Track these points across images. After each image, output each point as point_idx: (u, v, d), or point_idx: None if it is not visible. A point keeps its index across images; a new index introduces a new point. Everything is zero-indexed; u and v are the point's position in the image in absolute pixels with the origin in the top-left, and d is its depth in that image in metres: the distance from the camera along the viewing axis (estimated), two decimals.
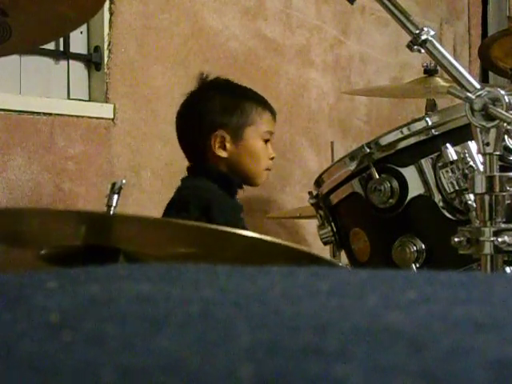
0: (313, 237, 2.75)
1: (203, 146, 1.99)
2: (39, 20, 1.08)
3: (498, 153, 1.04)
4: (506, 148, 1.24)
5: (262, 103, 2.05)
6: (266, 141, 2.03)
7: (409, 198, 1.30)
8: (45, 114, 2.26)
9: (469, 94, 1.05)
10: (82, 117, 2.36)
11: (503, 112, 1.02)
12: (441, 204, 1.28)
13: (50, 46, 2.38)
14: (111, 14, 2.43)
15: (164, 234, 0.86)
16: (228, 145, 1.98)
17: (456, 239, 1.06)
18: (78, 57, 2.45)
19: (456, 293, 0.37)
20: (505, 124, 1.04)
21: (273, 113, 2.06)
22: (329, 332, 0.29)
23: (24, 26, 1.08)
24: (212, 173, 1.97)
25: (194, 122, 2.00)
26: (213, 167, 1.99)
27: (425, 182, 1.29)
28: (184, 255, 0.87)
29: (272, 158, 2.05)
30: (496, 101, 1.03)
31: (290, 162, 3.00)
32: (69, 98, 2.43)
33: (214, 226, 0.83)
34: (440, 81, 2.33)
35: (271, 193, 2.92)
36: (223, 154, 1.98)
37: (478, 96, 1.04)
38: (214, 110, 2.00)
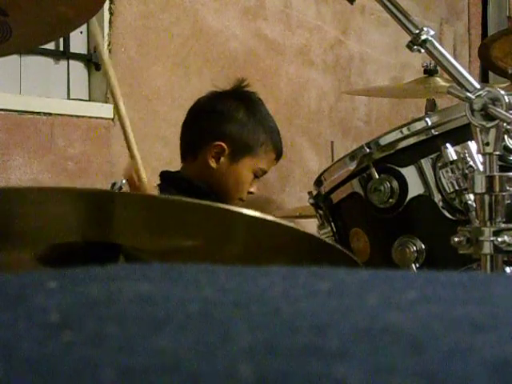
0: None
1: (200, 147, 1.96)
2: (39, 20, 1.08)
3: (497, 153, 1.04)
4: (506, 148, 1.24)
5: (275, 142, 2.02)
6: (256, 176, 2.00)
7: (409, 198, 1.30)
8: (45, 113, 2.26)
9: (469, 94, 1.05)
10: (82, 117, 2.36)
11: (503, 112, 1.02)
12: (441, 204, 1.28)
13: (50, 45, 2.38)
14: (111, 14, 2.43)
15: (165, 215, 0.84)
16: (222, 159, 1.95)
17: (456, 239, 1.06)
18: (78, 57, 2.45)
19: (456, 293, 0.37)
20: (505, 124, 1.04)
21: (278, 155, 2.04)
22: (329, 332, 0.29)
23: (24, 26, 1.08)
24: (178, 181, 1.95)
25: (208, 120, 1.97)
26: (179, 176, 1.97)
27: (425, 182, 1.29)
28: (183, 248, 0.87)
29: (250, 193, 2.02)
30: (496, 101, 1.03)
31: (290, 162, 3.00)
32: (69, 98, 2.43)
33: (220, 205, 0.82)
34: (440, 81, 2.33)
35: (271, 193, 2.92)
36: (214, 164, 1.95)
37: (478, 96, 1.04)
38: (232, 120, 1.96)
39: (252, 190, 2.02)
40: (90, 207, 0.82)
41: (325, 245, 0.88)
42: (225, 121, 1.97)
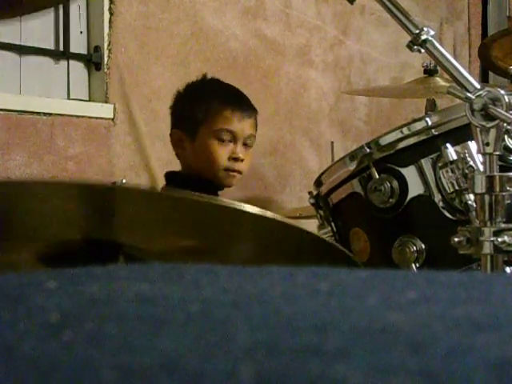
0: None
1: (172, 145, 2.00)
2: None
3: (497, 153, 1.04)
4: (506, 148, 1.24)
5: (221, 99, 1.95)
6: (233, 140, 1.94)
7: (409, 197, 1.30)
8: (45, 114, 2.26)
9: (469, 94, 1.05)
10: (82, 117, 2.36)
11: (503, 112, 1.02)
12: (441, 204, 1.28)
13: (50, 45, 2.38)
14: (111, 14, 2.43)
15: (168, 210, 0.84)
16: (186, 144, 1.96)
17: (456, 239, 1.06)
18: (77, 57, 2.45)
19: (456, 293, 0.37)
20: (505, 124, 1.04)
21: (236, 109, 1.94)
22: (329, 332, 0.29)
23: None
24: (183, 180, 1.95)
25: (172, 120, 2.03)
26: (178, 174, 1.98)
27: (425, 182, 1.29)
28: (184, 248, 0.87)
29: (235, 159, 1.94)
30: (496, 101, 1.03)
31: (290, 161, 3.00)
32: (69, 98, 2.43)
33: (221, 201, 0.81)
34: (440, 81, 2.33)
35: (271, 193, 2.92)
36: (183, 153, 1.98)
37: (478, 96, 1.04)
38: (178, 109, 2.00)
39: (235, 155, 1.94)
40: (93, 202, 0.82)
41: (326, 244, 0.88)
42: (173, 114, 2.02)
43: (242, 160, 1.96)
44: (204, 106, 1.95)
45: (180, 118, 1.99)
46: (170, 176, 2.02)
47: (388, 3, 1.13)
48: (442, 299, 0.35)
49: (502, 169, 1.06)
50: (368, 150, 1.33)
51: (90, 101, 2.46)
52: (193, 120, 1.95)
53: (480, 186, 1.04)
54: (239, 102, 1.98)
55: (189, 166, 1.98)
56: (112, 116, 2.41)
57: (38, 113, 2.25)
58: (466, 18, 3.91)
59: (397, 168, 1.32)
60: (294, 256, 0.86)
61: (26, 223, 0.84)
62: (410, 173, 1.31)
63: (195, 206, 0.81)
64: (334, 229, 1.45)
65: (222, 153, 1.94)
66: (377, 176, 1.32)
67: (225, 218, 0.82)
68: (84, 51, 2.46)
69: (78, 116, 2.35)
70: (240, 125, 1.95)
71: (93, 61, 2.45)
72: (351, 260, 0.89)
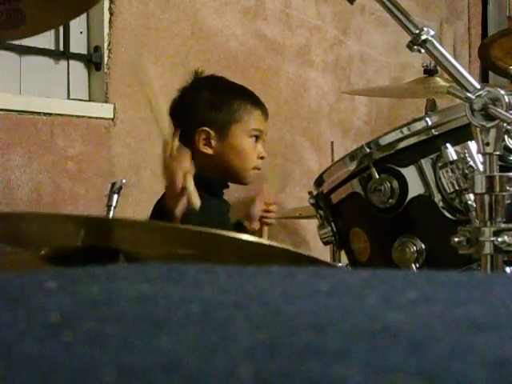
0: (313, 237, 2.74)
1: (189, 143, 1.98)
2: (51, 2, 1.08)
3: (497, 153, 1.04)
4: (506, 148, 1.24)
5: (252, 100, 2.02)
6: (256, 139, 2.00)
7: (409, 198, 1.30)
8: (45, 114, 2.26)
9: (469, 94, 1.05)
10: (82, 117, 2.36)
11: (503, 112, 1.02)
12: (441, 204, 1.28)
13: (50, 45, 2.38)
14: (111, 14, 2.43)
15: (162, 237, 0.86)
16: (213, 142, 1.96)
17: (456, 239, 1.06)
18: (77, 57, 2.45)
19: (456, 293, 0.37)
20: (505, 124, 1.04)
21: (263, 111, 2.03)
22: (329, 332, 0.29)
23: (36, 10, 1.08)
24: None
25: (183, 119, 1.99)
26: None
27: (425, 182, 1.29)
28: (183, 256, 0.87)
29: (262, 158, 2.01)
30: (496, 101, 1.03)
31: (290, 161, 3.00)
32: (69, 98, 2.43)
33: (212, 230, 0.82)
34: (440, 81, 2.33)
35: None
36: (209, 151, 1.97)
37: (478, 96, 1.04)
38: (200, 106, 1.99)
39: (262, 154, 2.01)
40: (89, 231, 0.84)
41: (321, 264, 0.88)
42: (195, 111, 2.00)
43: (264, 158, 2.03)
44: (236, 105, 1.98)
45: (206, 117, 1.98)
46: None
47: (388, 3, 1.13)
48: (441, 299, 0.35)
49: (502, 169, 1.06)
50: (368, 150, 1.33)
51: (90, 101, 2.46)
52: (225, 119, 1.97)
53: (480, 185, 1.04)
54: (262, 102, 2.05)
55: (215, 163, 1.97)
56: (112, 116, 2.41)
57: (38, 113, 2.25)
58: (466, 18, 3.91)
59: (397, 168, 1.32)
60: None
61: (25, 237, 0.85)
62: (409, 173, 1.31)
63: (188, 235, 0.83)
64: (334, 229, 1.45)
65: (254, 151, 2.00)
66: (377, 176, 1.32)
67: (215, 245, 0.84)
68: (84, 51, 2.46)
69: (77, 116, 2.35)
70: (266, 125, 2.04)
71: (93, 61, 2.45)
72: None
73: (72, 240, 0.85)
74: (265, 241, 0.81)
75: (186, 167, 1.60)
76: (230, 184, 2.03)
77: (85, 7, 1.20)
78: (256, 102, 2.03)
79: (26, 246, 0.88)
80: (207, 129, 1.97)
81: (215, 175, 1.97)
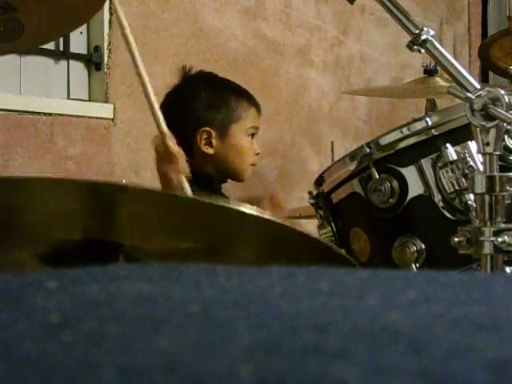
0: None
1: (189, 142, 1.98)
2: (50, 13, 1.08)
3: (497, 153, 1.04)
4: (506, 148, 1.24)
5: (247, 98, 2.03)
6: (252, 136, 2.02)
7: (409, 198, 1.30)
8: (45, 114, 2.26)
9: (469, 94, 1.05)
10: (82, 117, 2.36)
11: (503, 112, 1.02)
12: (441, 204, 1.28)
13: (50, 45, 2.38)
14: (111, 14, 2.43)
15: (169, 210, 0.83)
16: (214, 141, 1.97)
17: (456, 239, 1.06)
18: (77, 57, 2.45)
19: (456, 293, 0.37)
20: (505, 124, 1.04)
21: (257, 107, 2.04)
22: (329, 332, 0.29)
23: (35, 21, 1.08)
24: (192, 178, 1.96)
25: (180, 119, 1.98)
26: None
27: (425, 182, 1.29)
28: (185, 250, 0.87)
29: (257, 154, 2.03)
30: (496, 101, 1.03)
31: (290, 161, 3.00)
32: (69, 98, 2.43)
33: (227, 203, 0.81)
34: (440, 81, 2.33)
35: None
36: (210, 150, 1.97)
37: (478, 96, 1.04)
38: (198, 106, 1.99)
39: (257, 151, 2.03)
40: (94, 200, 0.81)
41: (324, 246, 0.88)
42: (194, 111, 1.99)
43: (259, 154, 2.05)
44: (234, 104, 1.99)
45: (205, 117, 1.98)
46: None
47: (388, 3, 1.13)
48: (441, 299, 0.35)
49: (502, 169, 1.06)
50: (368, 150, 1.33)
51: (89, 101, 2.47)
52: (225, 118, 1.97)
53: (480, 185, 1.04)
54: (254, 98, 2.06)
55: (215, 162, 1.98)
56: (112, 116, 2.42)
57: (38, 113, 2.25)
58: (466, 18, 3.91)
59: (397, 168, 1.32)
60: (294, 258, 0.86)
61: (26, 223, 0.84)
62: (409, 173, 1.31)
63: (197, 206, 0.81)
64: (334, 229, 1.45)
65: (251, 149, 2.02)
66: (377, 176, 1.32)
67: (225, 219, 0.82)
68: (84, 51, 2.47)
69: (77, 116, 2.35)
70: (259, 120, 2.05)
71: (93, 61, 2.45)
72: (348, 261, 0.89)
73: (72, 230, 0.83)
74: (268, 215, 0.79)
75: (180, 168, 1.61)
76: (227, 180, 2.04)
77: (84, 18, 1.20)
78: (249, 98, 2.04)
79: (21, 239, 0.86)
80: (208, 129, 1.97)
81: (214, 173, 1.98)
